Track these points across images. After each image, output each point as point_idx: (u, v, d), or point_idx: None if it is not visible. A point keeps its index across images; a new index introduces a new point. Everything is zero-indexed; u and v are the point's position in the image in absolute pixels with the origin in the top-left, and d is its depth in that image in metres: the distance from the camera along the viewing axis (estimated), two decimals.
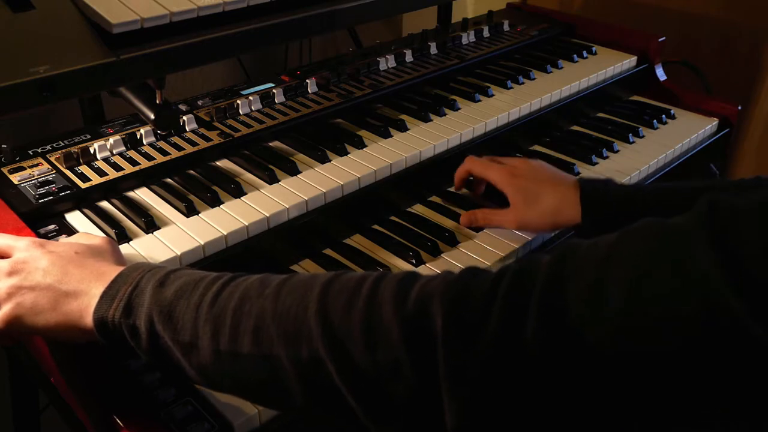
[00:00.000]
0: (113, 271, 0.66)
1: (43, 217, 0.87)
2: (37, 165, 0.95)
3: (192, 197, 0.92)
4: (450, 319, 0.50)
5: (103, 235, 0.83)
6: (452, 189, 1.13)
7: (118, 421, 0.66)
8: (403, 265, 0.94)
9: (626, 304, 0.45)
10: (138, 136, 1.01)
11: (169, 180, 0.97)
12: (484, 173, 1.03)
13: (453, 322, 0.50)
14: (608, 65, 1.43)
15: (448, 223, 1.04)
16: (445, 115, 1.19)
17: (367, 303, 0.54)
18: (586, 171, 1.20)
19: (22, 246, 0.70)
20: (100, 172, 0.94)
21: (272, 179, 0.97)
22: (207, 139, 1.03)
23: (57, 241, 0.78)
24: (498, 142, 1.20)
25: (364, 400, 0.53)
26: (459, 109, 1.21)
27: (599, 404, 0.47)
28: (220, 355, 0.58)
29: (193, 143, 1.02)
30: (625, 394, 0.46)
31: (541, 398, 0.48)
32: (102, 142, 0.98)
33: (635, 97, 1.53)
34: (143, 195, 0.94)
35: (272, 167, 0.98)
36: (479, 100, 1.25)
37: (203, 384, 0.63)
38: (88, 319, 0.63)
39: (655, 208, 0.86)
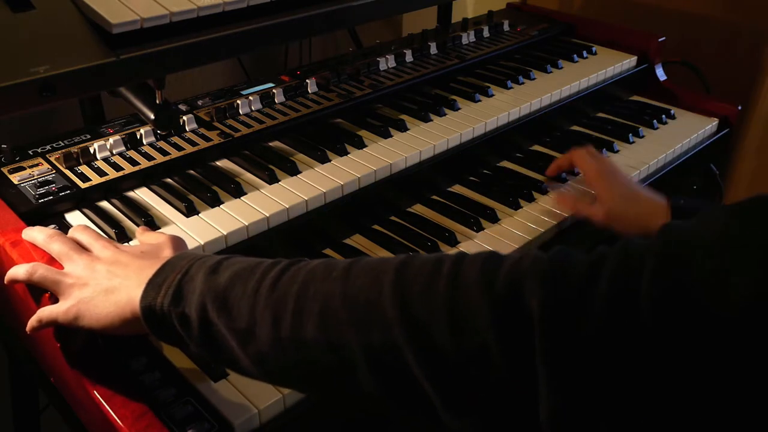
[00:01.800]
0: (163, 261, 0.66)
1: (42, 217, 0.87)
2: (37, 165, 0.95)
3: (192, 197, 0.92)
4: (549, 301, 0.47)
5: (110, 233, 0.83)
6: (452, 189, 1.14)
7: (118, 421, 0.66)
8: None
9: (756, 287, 0.43)
10: (138, 136, 1.01)
11: (169, 180, 0.97)
12: (583, 166, 1.07)
13: (552, 305, 0.47)
14: (608, 65, 1.43)
15: (448, 223, 1.04)
16: (445, 115, 1.19)
17: (450, 285, 0.51)
18: None
19: (100, 246, 0.73)
20: (100, 172, 0.94)
21: (272, 179, 0.97)
22: (207, 139, 1.03)
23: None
24: (498, 142, 1.20)
25: (445, 389, 0.50)
26: (459, 109, 1.21)
27: (717, 390, 0.44)
28: (280, 342, 0.55)
29: (193, 143, 1.02)
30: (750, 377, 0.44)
31: (652, 383, 0.45)
32: (102, 142, 0.98)
33: (635, 97, 1.53)
34: (143, 195, 0.94)
35: (272, 167, 0.98)
36: (479, 100, 1.25)
37: (258, 375, 0.60)
38: (136, 308, 0.63)
39: None
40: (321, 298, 0.54)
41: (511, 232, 1.02)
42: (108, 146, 0.98)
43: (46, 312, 0.69)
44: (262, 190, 0.95)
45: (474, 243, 0.99)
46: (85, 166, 0.95)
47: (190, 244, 0.83)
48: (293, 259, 0.61)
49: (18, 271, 0.71)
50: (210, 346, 0.60)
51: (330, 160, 1.03)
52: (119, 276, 0.67)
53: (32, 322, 0.70)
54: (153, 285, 0.62)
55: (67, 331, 0.69)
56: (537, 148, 1.29)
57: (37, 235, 0.75)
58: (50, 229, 0.77)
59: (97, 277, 0.68)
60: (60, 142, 1.01)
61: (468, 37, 1.46)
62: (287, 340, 0.55)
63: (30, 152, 0.98)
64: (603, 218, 1.01)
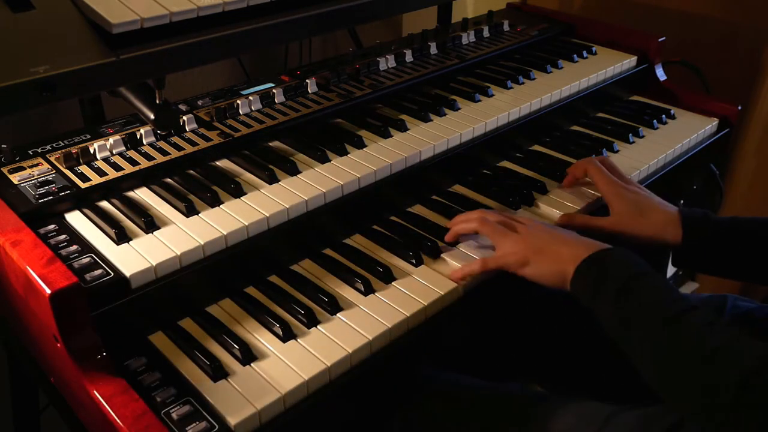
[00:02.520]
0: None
1: (42, 217, 0.87)
2: (37, 165, 0.95)
3: (192, 197, 0.92)
4: None
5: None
6: (452, 189, 1.14)
7: (118, 421, 0.67)
8: (403, 265, 0.94)
9: None
10: (138, 136, 1.01)
11: (169, 180, 0.97)
12: (594, 179, 1.07)
13: None
14: (608, 65, 1.43)
15: (448, 223, 1.04)
16: (445, 115, 1.19)
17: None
18: None
19: (524, 220, 0.96)
20: (100, 172, 0.94)
21: (272, 179, 0.97)
22: (207, 139, 1.03)
23: None
24: (498, 142, 1.20)
25: None
26: (459, 109, 1.21)
27: None
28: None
29: (193, 143, 1.02)
30: None
31: None
32: (102, 142, 0.98)
33: (635, 97, 1.53)
34: (143, 195, 0.94)
35: (272, 167, 0.98)
36: (479, 100, 1.25)
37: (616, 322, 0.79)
38: (572, 266, 0.84)
39: (752, 238, 0.96)
40: None
41: None
42: (108, 146, 0.98)
43: (494, 262, 0.91)
44: (262, 190, 0.95)
45: (474, 243, 0.99)
46: (85, 166, 0.95)
47: (190, 244, 0.84)
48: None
49: (468, 225, 0.96)
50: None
51: (330, 160, 1.03)
52: (558, 240, 0.89)
53: (474, 269, 0.91)
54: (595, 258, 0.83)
55: (68, 330, 0.70)
56: (537, 148, 1.29)
57: (465, 225, 0.96)
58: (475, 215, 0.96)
59: (539, 236, 0.90)
60: (60, 142, 1.01)
61: (468, 37, 1.46)
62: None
63: (30, 152, 0.98)
64: (613, 229, 1.02)
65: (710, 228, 0.98)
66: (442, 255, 0.97)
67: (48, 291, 0.69)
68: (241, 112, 1.11)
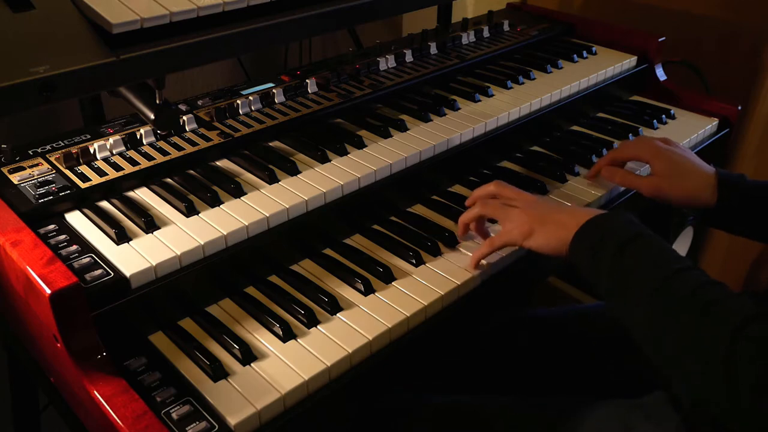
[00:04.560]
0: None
1: (42, 217, 0.87)
2: (37, 165, 0.95)
3: (192, 197, 0.92)
4: None
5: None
6: (452, 189, 1.14)
7: (118, 421, 0.67)
8: (403, 265, 0.94)
9: None
10: (138, 136, 1.01)
11: (169, 180, 0.97)
12: (630, 152, 1.11)
13: None
14: (608, 65, 1.43)
15: (448, 223, 1.04)
16: (445, 115, 1.19)
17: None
18: (585, 171, 1.20)
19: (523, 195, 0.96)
20: (100, 172, 0.94)
21: (272, 179, 0.97)
22: (207, 139, 1.03)
23: None
24: (498, 142, 1.20)
25: None
26: (459, 109, 1.21)
27: None
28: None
29: (193, 143, 1.02)
30: None
31: None
32: (102, 142, 0.98)
33: (635, 97, 1.53)
34: (143, 195, 0.94)
35: (272, 167, 0.98)
36: (479, 100, 1.25)
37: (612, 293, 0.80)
38: (571, 233, 0.84)
39: None
40: None
41: None
42: (108, 146, 0.98)
43: (499, 239, 0.92)
44: (262, 190, 0.95)
45: (474, 243, 0.99)
46: (85, 166, 0.95)
47: (190, 244, 0.84)
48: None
49: (469, 216, 0.96)
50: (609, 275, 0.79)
51: (330, 160, 1.03)
52: (559, 209, 0.91)
53: (483, 251, 0.93)
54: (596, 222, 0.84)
55: (68, 330, 0.70)
56: (537, 148, 1.29)
57: (468, 214, 0.97)
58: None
59: (540, 207, 0.91)
60: (60, 142, 1.01)
61: (468, 37, 1.46)
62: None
63: (30, 152, 0.98)
64: (651, 188, 1.05)
65: (744, 191, 0.99)
66: (442, 255, 0.96)
67: (48, 291, 0.69)
68: (241, 112, 1.11)
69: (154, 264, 0.80)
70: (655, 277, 0.75)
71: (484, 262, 0.94)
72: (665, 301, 0.73)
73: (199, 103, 1.13)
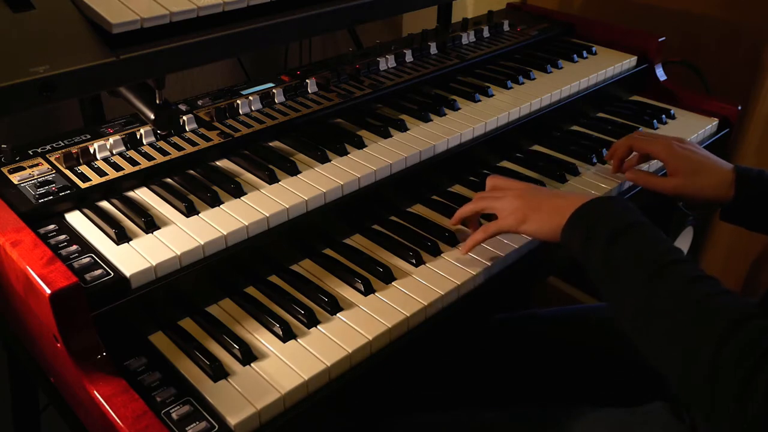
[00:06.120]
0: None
1: (42, 217, 0.87)
2: (37, 165, 0.95)
3: (192, 197, 0.92)
4: None
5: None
6: (452, 189, 1.14)
7: (118, 421, 0.67)
8: (403, 265, 0.94)
9: None
10: (138, 136, 1.01)
11: (169, 180, 0.97)
12: (646, 147, 1.11)
13: None
14: (608, 65, 1.43)
15: (448, 223, 1.04)
16: (445, 115, 1.19)
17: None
18: (585, 171, 1.20)
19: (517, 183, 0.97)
20: (100, 172, 0.94)
21: (272, 179, 0.97)
22: (207, 139, 1.03)
23: None
24: (498, 142, 1.20)
25: None
26: (459, 109, 1.21)
27: None
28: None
29: (193, 143, 1.02)
30: None
31: None
32: (102, 142, 0.98)
33: (635, 97, 1.53)
34: (143, 195, 0.94)
35: (272, 167, 0.98)
36: (479, 100, 1.25)
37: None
38: (565, 218, 0.84)
39: None
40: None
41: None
42: (108, 146, 0.98)
43: (494, 225, 0.93)
44: (262, 190, 0.95)
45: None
46: (85, 166, 0.95)
47: (191, 244, 0.84)
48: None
49: (465, 210, 0.97)
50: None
51: (330, 160, 1.03)
52: (554, 194, 0.91)
53: (477, 237, 0.94)
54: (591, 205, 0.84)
55: (68, 330, 0.70)
56: (537, 148, 1.29)
57: (465, 208, 0.97)
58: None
59: (535, 193, 0.92)
60: (60, 142, 1.01)
61: (468, 37, 1.46)
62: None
63: (30, 152, 0.98)
64: (671, 188, 1.06)
65: (763, 186, 1.00)
66: (442, 255, 0.96)
67: (48, 291, 0.69)
68: (241, 112, 1.11)
69: (154, 264, 0.80)
70: (646, 270, 0.74)
71: (485, 262, 0.94)
72: (655, 296, 0.72)
73: (199, 103, 1.13)
